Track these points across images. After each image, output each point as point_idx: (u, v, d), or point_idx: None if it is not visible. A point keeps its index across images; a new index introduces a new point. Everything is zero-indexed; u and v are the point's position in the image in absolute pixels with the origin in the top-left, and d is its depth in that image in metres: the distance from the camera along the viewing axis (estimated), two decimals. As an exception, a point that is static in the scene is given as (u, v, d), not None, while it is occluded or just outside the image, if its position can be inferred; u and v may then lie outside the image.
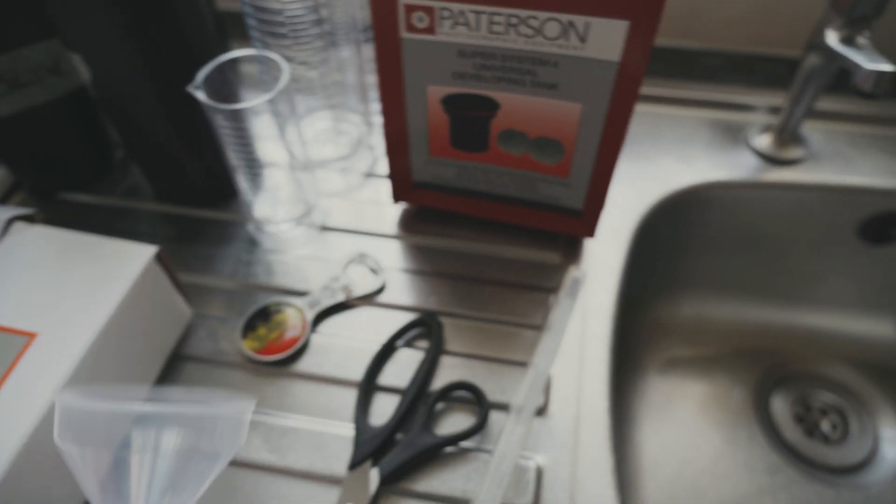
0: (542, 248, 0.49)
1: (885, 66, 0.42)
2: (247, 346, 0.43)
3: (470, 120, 0.42)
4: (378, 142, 0.57)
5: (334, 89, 0.54)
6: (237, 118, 0.41)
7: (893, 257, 0.61)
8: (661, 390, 0.65)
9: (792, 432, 0.61)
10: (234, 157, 0.44)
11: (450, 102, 0.41)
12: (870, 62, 0.42)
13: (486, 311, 0.46)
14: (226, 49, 0.43)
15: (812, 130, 0.60)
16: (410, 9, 0.36)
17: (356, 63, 0.52)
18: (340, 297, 0.45)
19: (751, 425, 0.62)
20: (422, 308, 0.46)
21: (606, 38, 0.35)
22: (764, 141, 0.59)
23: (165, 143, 0.48)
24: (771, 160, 0.58)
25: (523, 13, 0.35)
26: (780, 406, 0.64)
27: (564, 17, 0.35)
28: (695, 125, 0.61)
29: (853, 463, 0.60)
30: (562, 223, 0.48)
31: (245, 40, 0.51)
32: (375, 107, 0.56)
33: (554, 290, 0.47)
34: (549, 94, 0.39)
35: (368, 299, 0.46)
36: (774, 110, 0.62)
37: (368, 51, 0.56)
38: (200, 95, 0.39)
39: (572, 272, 0.46)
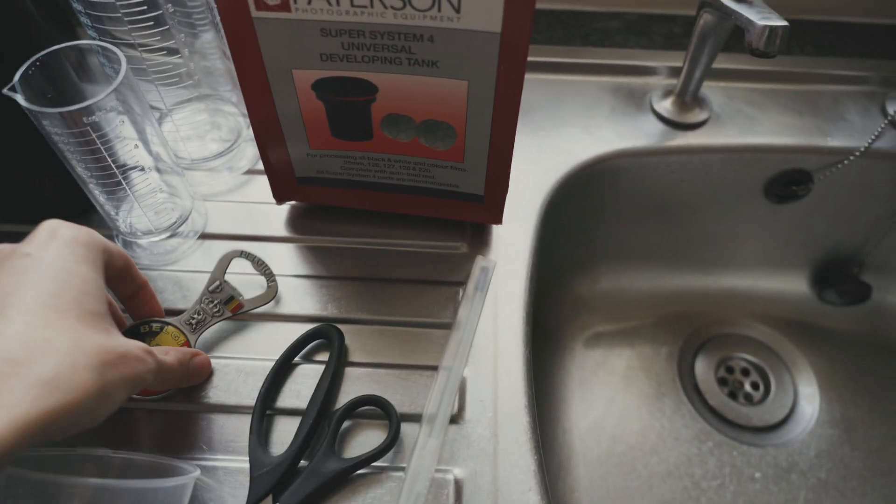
0: (445, 238, 0.46)
1: (777, 21, 0.40)
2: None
3: (347, 106, 0.38)
4: (261, 135, 0.51)
5: (201, 77, 0.48)
6: (74, 123, 0.35)
7: (799, 214, 0.61)
8: (586, 368, 0.63)
9: (716, 397, 0.61)
10: (79, 168, 0.37)
11: (321, 88, 0.36)
12: (762, 18, 0.41)
13: (391, 313, 0.42)
14: (60, 41, 0.37)
15: (712, 91, 0.59)
16: (259, -17, 0.31)
17: (219, 46, 0.46)
18: (227, 313, 0.40)
19: (677, 393, 0.62)
20: (320, 317, 0.42)
21: (483, 7, 0.31)
22: (666, 105, 0.57)
23: (2, 154, 0.41)
24: (675, 124, 0.56)
25: (388, -18, 0.31)
26: (704, 371, 0.63)
27: (434, -15, 0.31)
28: (597, 92, 0.59)
29: (776, 421, 0.60)
30: (464, 211, 0.44)
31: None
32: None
33: (462, 283, 0.44)
34: (430, 73, 0.35)
35: (259, 310, 0.41)
36: (675, 71, 0.61)
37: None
38: (20, 99, 0.33)
39: (480, 262, 0.43)
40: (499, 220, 0.45)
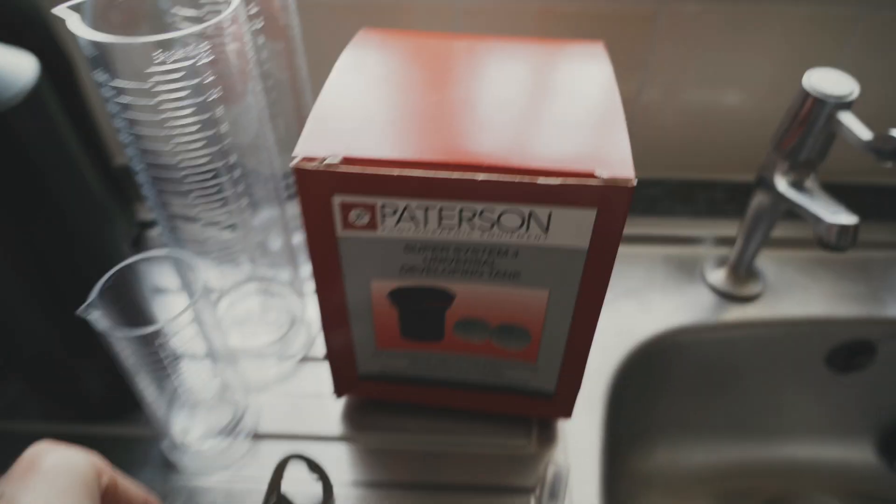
0: (512, 434, 0.43)
1: (847, 219, 0.40)
2: None
3: (422, 312, 0.37)
4: (314, 315, 0.50)
5: (257, 254, 0.47)
6: (149, 342, 0.33)
7: (863, 383, 0.59)
8: (650, 556, 0.58)
9: (799, 593, 0.56)
10: (136, 371, 0.36)
11: (398, 296, 0.36)
12: (831, 215, 0.40)
13: (458, 526, 0.39)
14: (130, 219, 0.36)
15: (764, 260, 0.58)
16: (347, 206, 0.31)
17: (281, 222, 0.46)
18: None
19: (752, 586, 0.56)
20: (381, 531, 0.38)
21: (572, 227, 0.31)
22: (719, 276, 0.56)
23: (50, 350, 0.40)
24: (730, 297, 0.55)
25: (478, 206, 0.31)
26: (777, 556, 0.58)
27: (524, 209, 0.30)
28: (648, 264, 0.58)
29: None
30: (532, 406, 0.42)
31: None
32: (307, 270, 0.50)
33: (532, 489, 0.40)
34: (511, 283, 0.34)
35: None
36: (722, 241, 0.61)
37: (293, 208, 0.50)
38: (96, 318, 0.32)
39: (552, 467, 0.40)
40: (568, 415, 0.42)
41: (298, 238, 0.51)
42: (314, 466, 0.39)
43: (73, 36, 0.31)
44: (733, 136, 0.62)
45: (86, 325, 0.32)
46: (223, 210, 0.40)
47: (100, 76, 0.32)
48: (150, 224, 0.59)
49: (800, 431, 0.63)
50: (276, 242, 0.48)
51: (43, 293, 0.37)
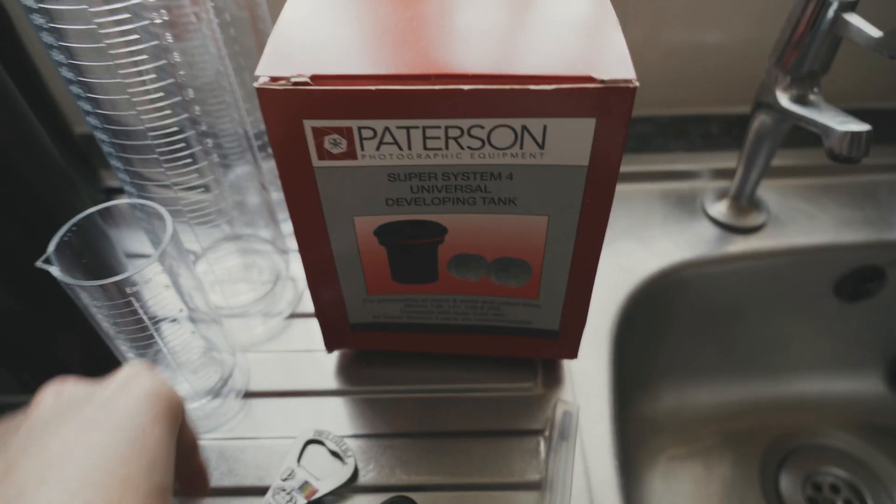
0: (515, 378, 0.41)
1: (858, 126, 0.38)
2: None
3: (412, 249, 0.34)
4: (299, 272, 0.48)
5: (235, 214, 0.45)
6: (119, 293, 0.31)
7: (872, 311, 0.57)
8: (667, 501, 0.57)
9: (813, 524, 0.55)
10: (105, 324, 0.33)
11: (385, 233, 0.33)
12: (841, 124, 0.38)
13: (468, 474, 0.37)
14: (95, 185, 0.34)
15: (765, 190, 0.56)
16: (321, 132, 0.28)
17: (256, 179, 0.44)
18: (301, 500, 0.34)
19: (767, 521, 0.55)
20: (388, 485, 0.36)
21: (570, 142, 0.28)
22: (721, 209, 0.54)
23: (18, 320, 0.37)
24: (732, 229, 0.53)
25: (465, 123, 0.28)
26: (790, 492, 0.57)
27: (516, 122, 0.28)
28: (646, 201, 0.56)
29: (887, 550, 0.53)
30: (536, 347, 0.40)
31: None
32: (289, 227, 0.47)
33: (541, 430, 0.38)
34: (506, 211, 0.32)
35: (338, 494, 0.36)
36: (720, 173, 0.58)
37: (269, 163, 0.47)
38: (55, 271, 0.29)
39: (561, 405, 0.38)
40: (574, 355, 0.40)
41: (278, 195, 0.48)
42: (333, 440, 0.37)
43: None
44: (724, 67, 0.59)
45: (54, 287, 0.30)
46: (193, 169, 0.38)
47: (38, 19, 0.29)
48: (119, 191, 0.56)
49: (808, 366, 0.62)
50: (254, 200, 0.45)
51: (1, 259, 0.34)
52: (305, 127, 0.28)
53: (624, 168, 0.57)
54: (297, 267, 0.47)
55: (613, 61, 0.27)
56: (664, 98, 0.61)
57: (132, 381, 0.25)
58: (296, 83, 0.27)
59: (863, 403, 0.62)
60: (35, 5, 0.29)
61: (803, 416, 0.62)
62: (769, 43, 0.45)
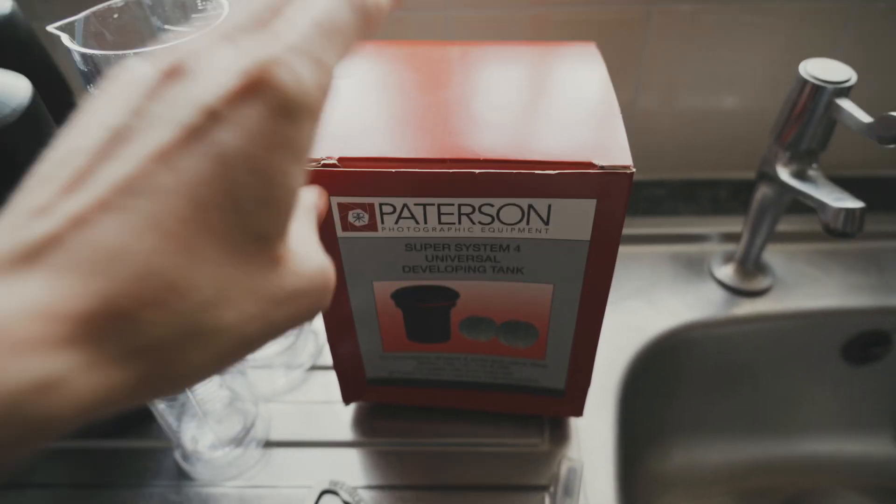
0: (523, 434, 0.43)
1: (852, 203, 0.40)
2: None
3: (426, 312, 0.37)
4: (320, 325, 0.50)
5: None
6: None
7: (880, 374, 0.58)
8: (671, 559, 0.57)
9: (826, 592, 0.54)
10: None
11: (401, 297, 0.36)
12: (836, 200, 0.40)
13: (473, 528, 0.38)
14: None
15: (771, 254, 0.58)
16: (346, 207, 0.31)
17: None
18: None
19: (777, 586, 0.55)
20: (395, 536, 0.38)
21: (573, 219, 0.31)
22: (727, 272, 0.56)
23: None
24: (739, 292, 0.55)
25: (476, 201, 0.31)
26: (802, 556, 0.57)
27: (523, 202, 0.30)
28: (655, 263, 0.58)
29: None
30: (543, 405, 0.42)
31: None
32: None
33: (546, 486, 0.40)
34: (514, 279, 0.34)
35: None
36: (728, 237, 0.60)
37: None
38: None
39: (565, 462, 0.40)
40: (580, 413, 0.42)
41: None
42: (348, 491, 0.39)
43: (70, 62, 0.31)
44: (732, 134, 0.62)
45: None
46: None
47: (93, 91, 0.33)
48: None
49: (818, 426, 0.62)
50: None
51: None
52: (332, 202, 0.31)
53: (635, 230, 0.60)
54: (318, 321, 0.50)
55: (613, 148, 0.30)
56: (675, 162, 0.63)
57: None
58: (325, 165, 0.30)
59: (874, 465, 0.62)
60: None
61: (814, 477, 0.62)
62: (776, 111, 0.47)
